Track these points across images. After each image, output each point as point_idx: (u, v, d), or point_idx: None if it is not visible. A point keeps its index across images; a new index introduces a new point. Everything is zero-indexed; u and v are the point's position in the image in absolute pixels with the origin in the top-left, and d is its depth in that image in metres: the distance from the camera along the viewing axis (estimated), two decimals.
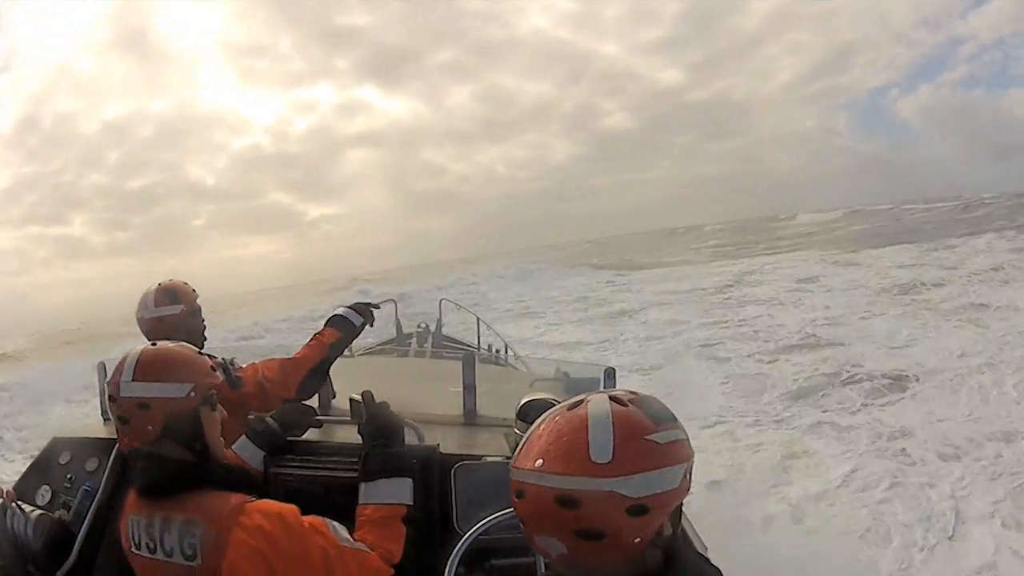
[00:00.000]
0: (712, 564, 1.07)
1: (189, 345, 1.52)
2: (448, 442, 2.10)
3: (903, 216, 40.52)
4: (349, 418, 2.32)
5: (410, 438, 2.08)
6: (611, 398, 0.95)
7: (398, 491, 1.55)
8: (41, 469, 2.18)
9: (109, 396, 1.41)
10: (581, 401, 0.96)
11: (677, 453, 0.93)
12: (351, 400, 1.81)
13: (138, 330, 2.44)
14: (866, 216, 44.39)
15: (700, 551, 1.73)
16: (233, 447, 1.83)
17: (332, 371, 2.49)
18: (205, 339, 2.45)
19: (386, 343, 5.79)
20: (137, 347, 1.46)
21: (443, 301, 6.66)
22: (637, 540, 0.90)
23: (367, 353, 5.26)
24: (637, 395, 0.97)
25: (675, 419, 0.96)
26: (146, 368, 1.39)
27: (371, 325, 2.41)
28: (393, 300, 6.42)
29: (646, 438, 0.91)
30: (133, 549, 1.37)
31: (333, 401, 2.47)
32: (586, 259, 36.98)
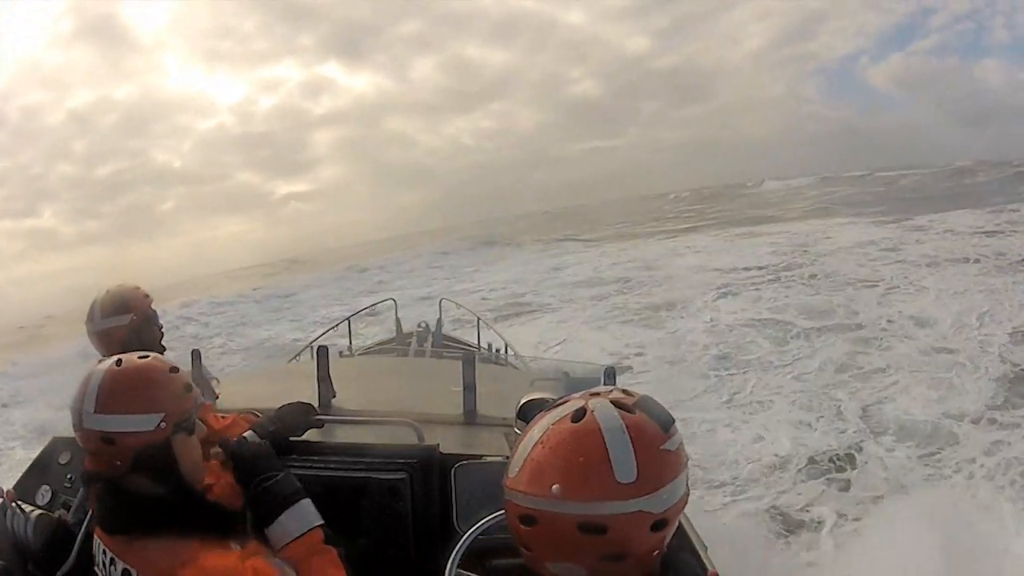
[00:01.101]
0: (703, 564, 1.06)
1: (159, 359, 1.36)
2: (448, 442, 2.10)
3: (895, 181, 37.12)
4: (349, 418, 2.33)
5: (410, 438, 2.09)
6: (614, 403, 0.88)
7: (301, 517, 1.43)
8: (41, 469, 2.19)
9: (72, 423, 1.29)
10: (583, 410, 0.87)
11: (683, 458, 0.89)
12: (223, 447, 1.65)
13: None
14: (845, 182, 40.49)
15: (699, 549, 1.73)
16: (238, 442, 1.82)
17: (332, 371, 2.49)
18: (164, 348, 2.23)
19: (386, 343, 5.79)
20: (101, 364, 1.32)
21: (443, 300, 6.65)
22: (656, 553, 0.88)
23: (367, 353, 5.27)
24: (634, 395, 0.91)
25: (673, 419, 0.91)
26: (109, 396, 1.26)
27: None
28: (392, 300, 6.42)
29: (661, 448, 0.86)
30: (94, 566, 1.32)
31: (333, 401, 2.47)
32: (566, 231, 31.37)
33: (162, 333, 2.29)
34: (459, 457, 1.98)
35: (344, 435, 2.18)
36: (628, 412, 0.87)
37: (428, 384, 3.22)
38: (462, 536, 1.51)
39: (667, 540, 0.88)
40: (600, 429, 0.85)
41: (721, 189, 54.20)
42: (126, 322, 2.15)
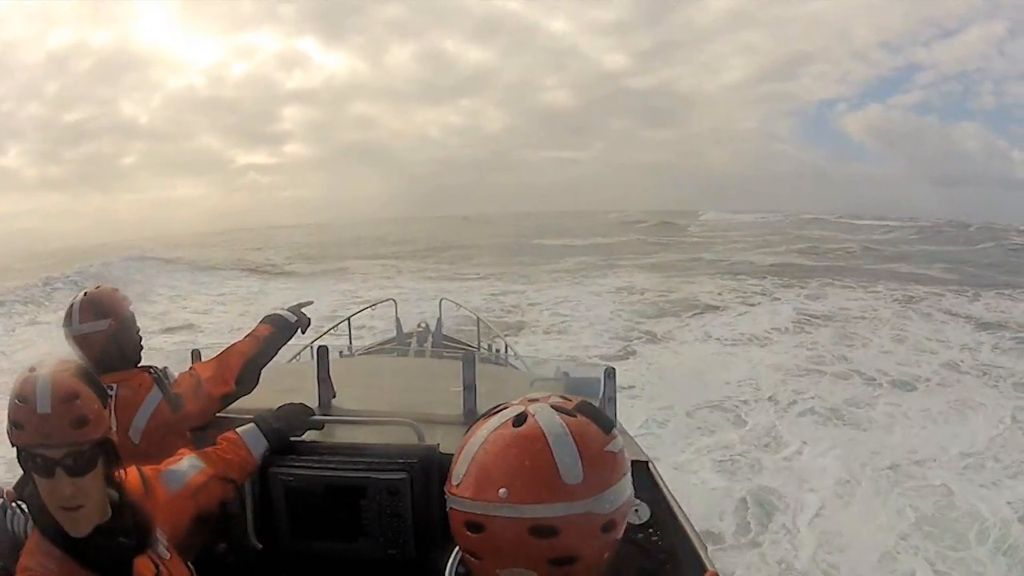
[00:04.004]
0: (704, 563, 1.05)
1: (31, 386, 1.23)
2: (448, 442, 2.10)
3: (894, 232, 36.21)
4: (349, 418, 2.32)
5: (410, 438, 2.09)
6: (554, 408, 0.89)
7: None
8: None
9: None
10: (523, 415, 0.88)
11: (626, 460, 0.90)
12: None
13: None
14: (792, 224, 40.99)
15: (699, 549, 1.73)
16: (240, 431, 1.83)
17: (332, 371, 2.49)
18: (142, 349, 2.19)
19: (386, 343, 5.79)
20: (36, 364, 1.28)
21: (443, 300, 6.65)
22: (606, 555, 0.88)
23: (367, 353, 5.27)
24: (572, 400, 0.93)
25: (613, 423, 0.93)
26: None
27: (303, 331, 2.37)
28: (392, 300, 6.42)
29: (605, 450, 0.87)
30: None
31: (333, 401, 2.47)
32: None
33: (141, 336, 2.19)
34: None
35: (344, 435, 2.19)
36: (569, 416, 0.88)
37: (428, 384, 3.22)
38: None
39: (615, 543, 0.88)
40: (543, 432, 0.85)
41: (670, 215, 52.96)
42: (104, 327, 2.07)
